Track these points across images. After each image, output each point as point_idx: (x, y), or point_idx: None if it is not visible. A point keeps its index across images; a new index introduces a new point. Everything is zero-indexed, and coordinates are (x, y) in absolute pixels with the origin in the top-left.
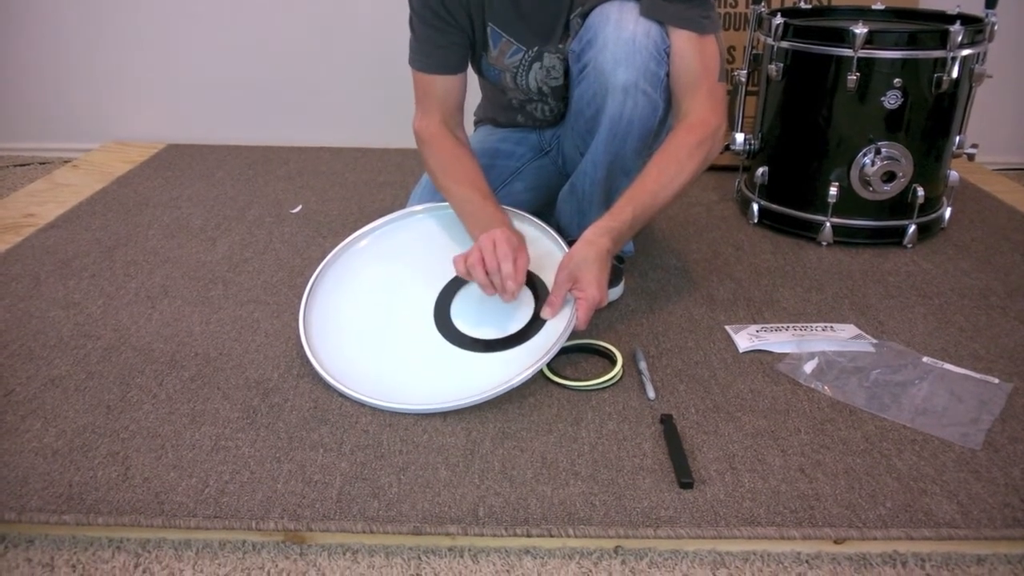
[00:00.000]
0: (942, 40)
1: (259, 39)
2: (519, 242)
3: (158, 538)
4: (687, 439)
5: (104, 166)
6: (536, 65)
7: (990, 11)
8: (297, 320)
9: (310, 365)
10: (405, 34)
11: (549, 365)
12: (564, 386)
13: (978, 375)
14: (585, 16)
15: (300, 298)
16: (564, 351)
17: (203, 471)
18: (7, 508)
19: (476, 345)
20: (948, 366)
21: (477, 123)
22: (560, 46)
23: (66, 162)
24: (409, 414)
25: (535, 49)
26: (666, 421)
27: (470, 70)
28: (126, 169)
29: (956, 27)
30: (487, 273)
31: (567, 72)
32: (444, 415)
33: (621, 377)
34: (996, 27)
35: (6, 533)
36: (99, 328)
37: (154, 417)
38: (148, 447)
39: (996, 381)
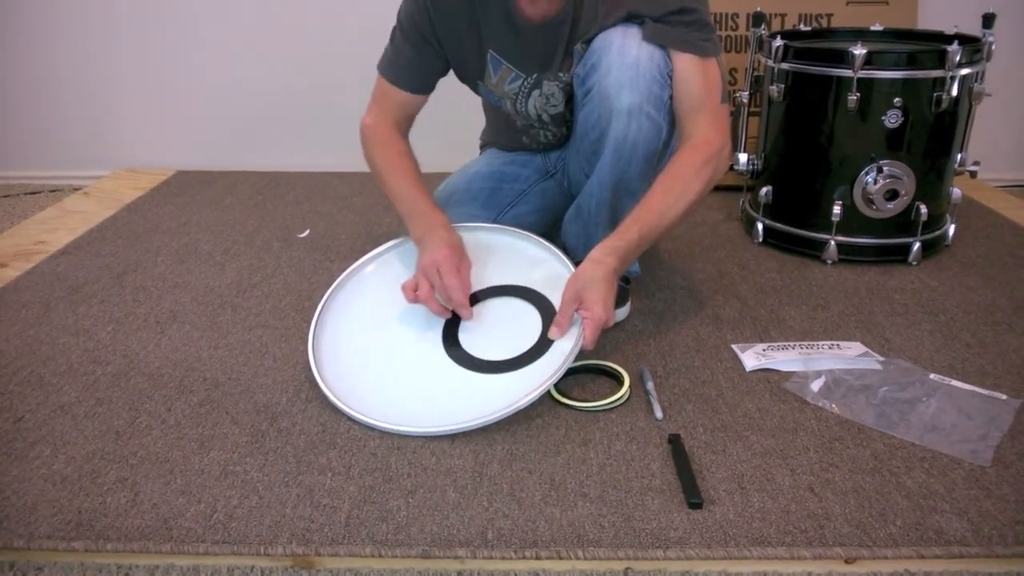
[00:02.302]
0: (940, 60)
1: (267, 68)
2: (457, 253)
3: (167, 564)
4: (695, 459)
5: (114, 193)
6: (535, 92)
7: (987, 31)
8: (305, 344)
9: (318, 389)
10: None
11: (556, 386)
12: (572, 407)
13: (986, 391)
14: (588, 42)
15: (308, 322)
16: (571, 372)
17: (212, 496)
18: (16, 535)
19: (483, 366)
20: (955, 383)
21: (483, 147)
22: (560, 74)
23: (76, 189)
24: (417, 437)
25: (534, 76)
26: (674, 441)
27: (471, 93)
28: (136, 196)
29: (954, 47)
30: (439, 301)
31: (567, 100)
32: (452, 437)
33: (628, 397)
34: (994, 47)
35: (15, 560)
36: (108, 354)
37: (163, 443)
38: (157, 473)
39: (1004, 397)
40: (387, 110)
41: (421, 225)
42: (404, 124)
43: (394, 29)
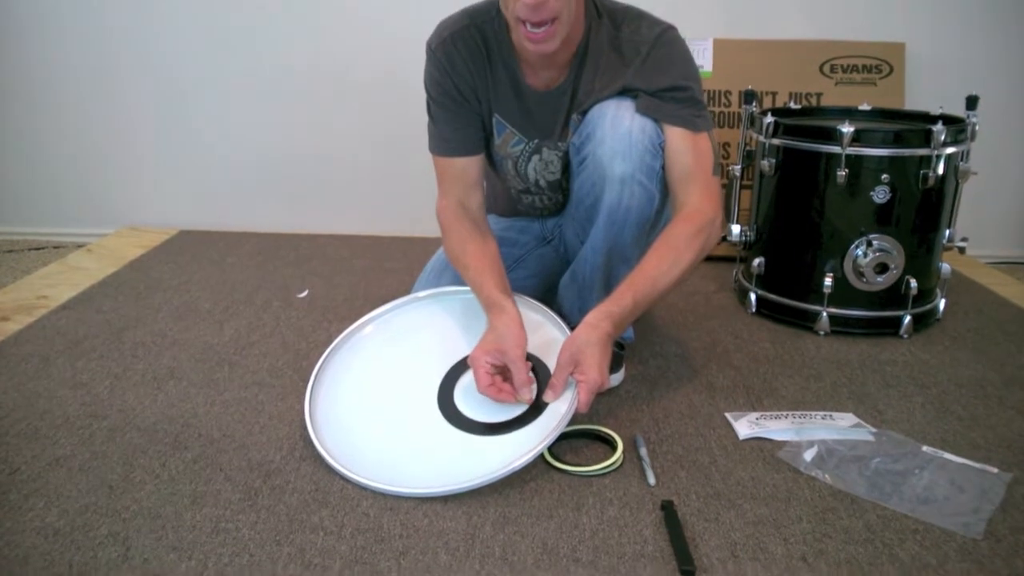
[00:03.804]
0: (926, 139)
1: (270, 131)
2: (499, 343)
3: None
4: (688, 526)
5: (117, 250)
6: (536, 157)
7: (971, 112)
8: (301, 403)
9: (313, 448)
10: (414, 125)
11: (550, 450)
12: (565, 471)
13: (977, 464)
14: (584, 113)
15: (304, 381)
16: (565, 436)
17: (203, 553)
18: None
19: (478, 428)
20: (948, 455)
21: None
22: (559, 144)
23: (80, 246)
24: (410, 498)
25: (535, 142)
26: (667, 508)
27: None
28: (139, 253)
29: (939, 127)
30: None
31: (564, 168)
32: (445, 499)
33: (622, 463)
34: (977, 127)
35: None
36: (105, 408)
37: (156, 498)
38: (149, 528)
39: (995, 471)
40: (448, 190)
41: (484, 312)
42: (470, 198)
43: (427, 104)
